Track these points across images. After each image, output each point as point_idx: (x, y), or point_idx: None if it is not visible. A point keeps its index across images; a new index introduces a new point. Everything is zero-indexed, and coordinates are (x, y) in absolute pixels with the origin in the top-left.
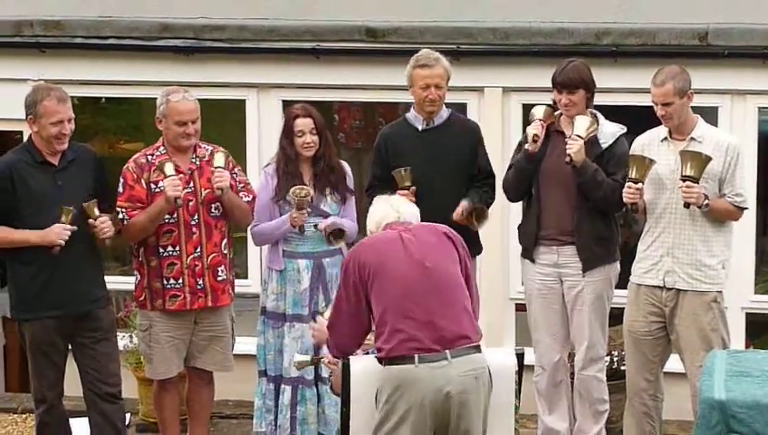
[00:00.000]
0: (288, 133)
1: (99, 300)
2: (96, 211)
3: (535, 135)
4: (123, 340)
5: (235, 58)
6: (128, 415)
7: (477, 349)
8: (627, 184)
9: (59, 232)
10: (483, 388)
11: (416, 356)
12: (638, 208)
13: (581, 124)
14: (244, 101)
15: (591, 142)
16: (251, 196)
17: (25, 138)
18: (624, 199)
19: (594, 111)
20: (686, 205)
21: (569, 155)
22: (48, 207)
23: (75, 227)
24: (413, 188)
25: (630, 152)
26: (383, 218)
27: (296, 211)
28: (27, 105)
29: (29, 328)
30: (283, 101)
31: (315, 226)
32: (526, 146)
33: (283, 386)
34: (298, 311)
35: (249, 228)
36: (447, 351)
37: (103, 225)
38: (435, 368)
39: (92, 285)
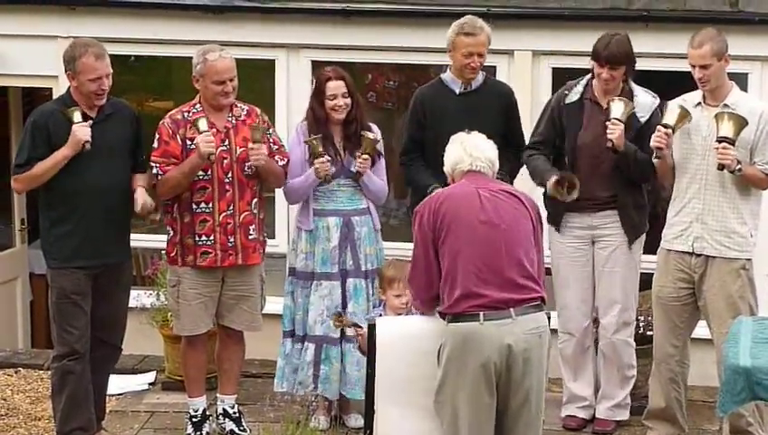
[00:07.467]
0: (319, 95)
1: (128, 252)
2: (77, 117)
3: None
4: (150, 298)
5: (264, 18)
6: (153, 373)
7: (539, 308)
8: (657, 127)
9: (79, 130)
10: (545, 346)
11: (481, 314)
12: (662, 155)
13: (618, 108)
14: (273, 61)
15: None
16: (285, 159)
17: (55, 95)
18: (651, 143)
19: (629, 80)
20: (720, 167)
21: (610, 141)
22: (84, 158)
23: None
24: None
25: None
26: (456, 164)
27: (316, 161)
28: (66, 61)
29: (63, 277)
30: (313, 62)
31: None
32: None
33: (306, 343)
34: (327, 269)
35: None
36: (512, 309)
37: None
38: (500, 326)
39: (123, 236)
